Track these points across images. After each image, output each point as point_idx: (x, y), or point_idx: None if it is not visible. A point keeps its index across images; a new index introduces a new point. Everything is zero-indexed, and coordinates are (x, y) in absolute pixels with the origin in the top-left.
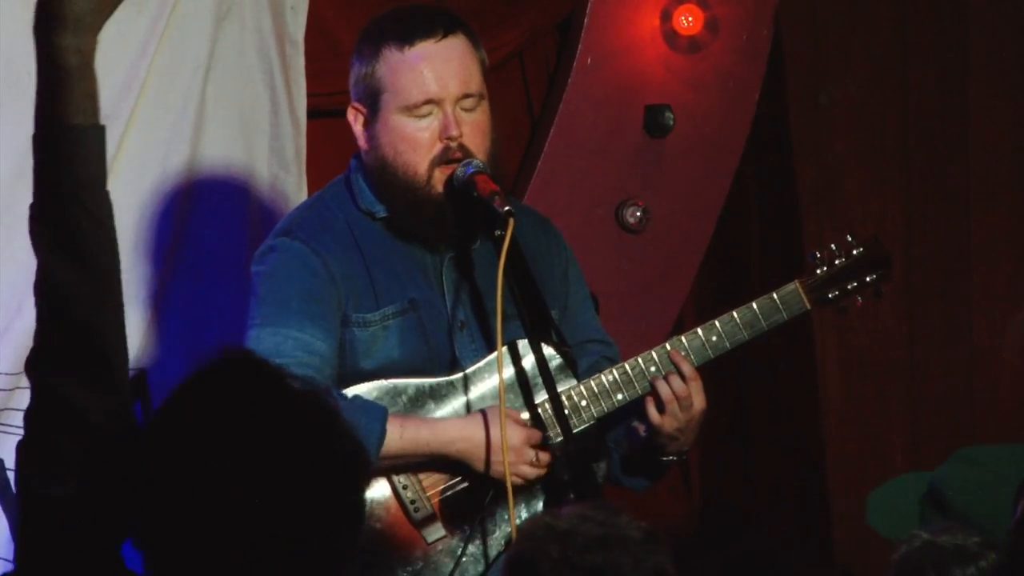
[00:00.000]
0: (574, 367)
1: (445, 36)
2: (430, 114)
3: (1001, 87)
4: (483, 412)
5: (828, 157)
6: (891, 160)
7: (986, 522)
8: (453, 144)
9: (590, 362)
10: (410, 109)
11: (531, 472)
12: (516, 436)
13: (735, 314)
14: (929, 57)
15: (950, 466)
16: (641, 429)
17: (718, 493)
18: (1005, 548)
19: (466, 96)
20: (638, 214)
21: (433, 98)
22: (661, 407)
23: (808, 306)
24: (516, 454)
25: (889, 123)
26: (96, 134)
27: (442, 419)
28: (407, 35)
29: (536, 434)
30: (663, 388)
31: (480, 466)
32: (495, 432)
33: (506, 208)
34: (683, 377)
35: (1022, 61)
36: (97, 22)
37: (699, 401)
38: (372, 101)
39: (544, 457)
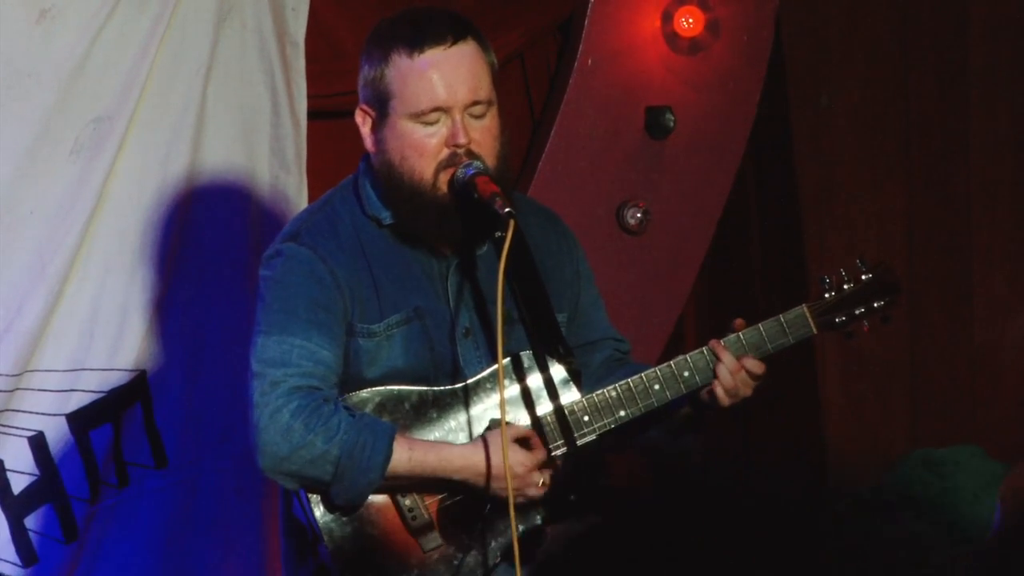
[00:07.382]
0: (577, 378)
1: (455, 42)
2: (438, 121)
3: (1001, 87)
4: (488, 438)
5: (829, 158)
6: (891, 160)
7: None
8: (460, 151)
9: (603, 356)
10: (418, 116)
11: (537, 494)
12: (523, 460)
13: (741, 336)
14: (929, 57)
15: (902, 468)
16: (697, 404)
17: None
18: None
19: (475, 103)
20: (639, 215)
21: (441, 106)
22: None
23: (814, 330)
24: (521, 480)
25: (889, 124)
26: None
27: (450, 445)
28: (417, 41)
29: (541, 455)
30: (721, 386)
31: (486, 492)
32: (500, 458)
33: (507, 210)
34: (749, 373)
35: (1022, 61)
36: None
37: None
38: (380, 105)
39: (549, 476)
